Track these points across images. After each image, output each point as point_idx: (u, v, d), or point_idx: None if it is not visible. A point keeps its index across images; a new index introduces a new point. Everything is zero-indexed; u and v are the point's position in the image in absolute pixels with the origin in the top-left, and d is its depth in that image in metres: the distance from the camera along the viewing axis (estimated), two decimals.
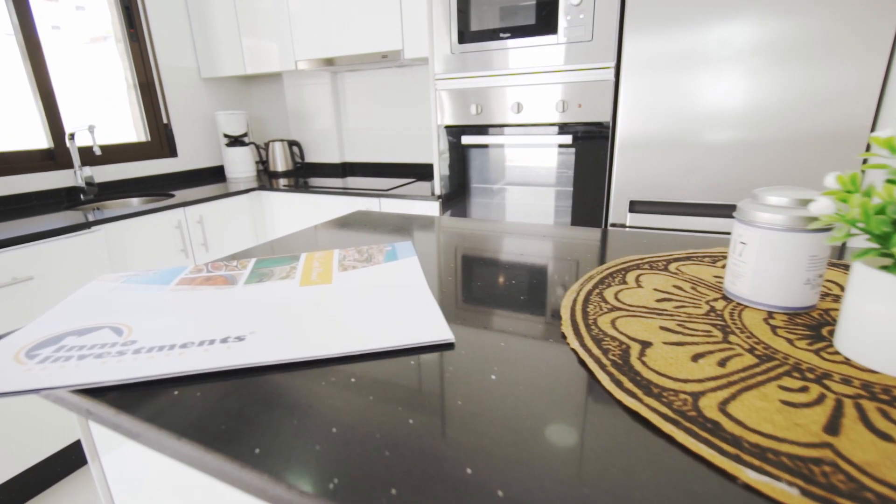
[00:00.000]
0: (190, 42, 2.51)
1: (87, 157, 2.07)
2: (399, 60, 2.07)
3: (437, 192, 1.82)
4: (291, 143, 2.68)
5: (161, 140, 2.44)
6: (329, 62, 2.20)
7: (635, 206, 1.44)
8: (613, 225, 1.49)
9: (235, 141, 2.58)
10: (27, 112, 2.05)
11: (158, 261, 1.80)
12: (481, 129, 1.66)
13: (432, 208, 1.84)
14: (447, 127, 1.72)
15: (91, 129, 1.92)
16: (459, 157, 1.73)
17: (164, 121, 2.42)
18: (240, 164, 2.57)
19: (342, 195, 2.03)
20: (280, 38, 2.26)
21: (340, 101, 2.63)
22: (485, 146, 1.67)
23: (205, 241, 1.97)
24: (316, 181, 2.33)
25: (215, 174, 2.72)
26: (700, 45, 1.24)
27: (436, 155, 1.78)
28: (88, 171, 2.03)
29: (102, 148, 2.10)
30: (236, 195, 2.12)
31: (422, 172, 2.47)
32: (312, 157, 2.76)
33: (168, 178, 2.45)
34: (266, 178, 2.61)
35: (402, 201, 1.90)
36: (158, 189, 2.27)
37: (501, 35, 1.55)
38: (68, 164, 2.02)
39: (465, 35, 1.60)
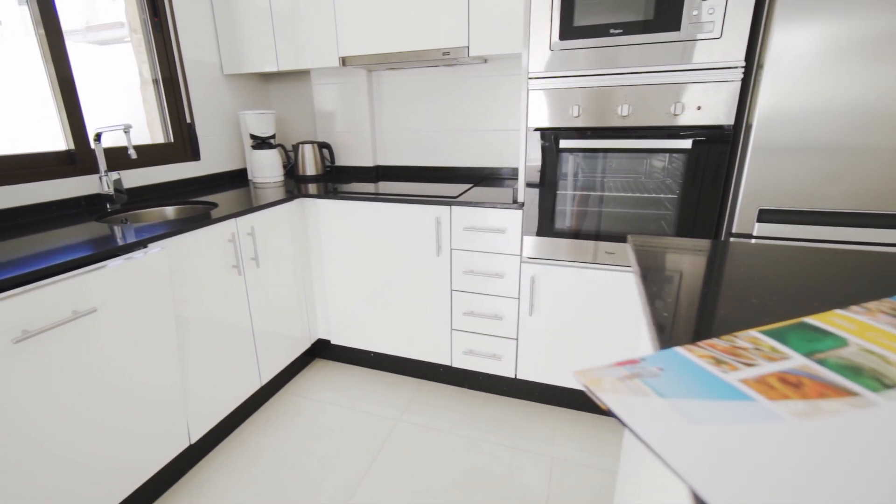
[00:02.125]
0: (213, 34, 2.25)
1: (111, 160, 1.79)
2: (460, 58, 1.91)
3: (521, 199, 1.68)
4: (321, 146, 2.46)
5: (184, 141, 2.17)
6: (379, 58, 2.01)
7: (765, 215, 1.35)
8: (736, 235, 1.40)
9: (263, 143, 2.34)
10: (36, 110, 1.76)
11: (212, 281, 1.56)
12: (580, 133, 1.54)
13: (513, 218, 1.70)
14: (538, 130, 1.58)
15: (127, 129, 1.65)
16: (549, 163, 1.60)
17: (188, 120, 2.15)
18: (267, 168, 2.33)
19: (403, 203, 1.84)
20: (322, 31, 2.06)
21: (375, 101, 2.44)
22: (587, 150, 1.54)
23: (255, 255, 1.74)
24: (358, 186, 2.13)
25: (237, 179, 2.46)
26: (861, 36, 1.16)
27: (522, 160, 1.64)
28: (115, 176, 1.75)
29: (118, 151, 1.82)
30: (282, 203, 1.89)
31: (474, 176, 2.31)
32: (342, 160, 2.55)
33: (190, 184, 2.18)
34: (294, 182, 2.38)
35: (477, 210, 1.74)
36: (183, 196, 2.01)
37: (612, 31, 1.42)
38: (91, 169, 1.74)
39: (568, 31, 1.47)
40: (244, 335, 1.74)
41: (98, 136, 1.68)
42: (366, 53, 2.02)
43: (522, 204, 1.67)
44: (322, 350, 2.32)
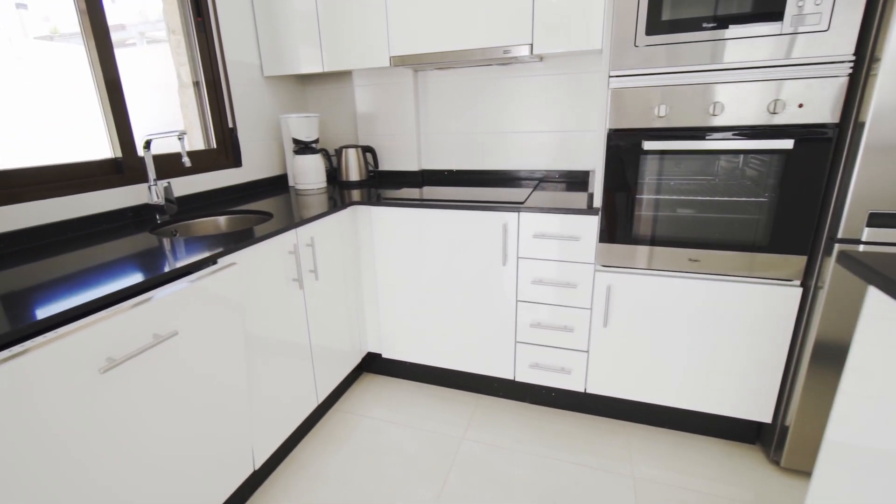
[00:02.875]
0: (253, 34, 2.16)
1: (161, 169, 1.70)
2: (519, 57, 1.82)
3: (597, 203, 1.58)
4: (365, 150, 2.37)
5: (226, 147, 2.08)
6: (433, 58, 1.92)
7: (877, 220, 1.26)
8: (842, 241, 1.30)
9: (305, 147, 2.25)
10: (74, 117, 1.67)
11: (274, 295, 1.47)
12: (666, 134, 1.44)
13: (588, 224, 1.61)
14: (618, 131, 1.49)
15: (181, 135, 1.56)
16: (629, 166, 1.51)
17: (230, 125, 2.06)
18: (310, 174, 2.24)
19: (466, 209, 1.75)
20: (372, 30, 1.97)
21: (421, 102, 2.35)
22: (674, 152, 1.45)
23: (314, 267, 1.65)
24: (409, 192, 2.04)
25: (277, 185, 2.37)
26: None
27: (600, 163, 1.55)
28: (165, 184, 1.66)
29: (161, 158, 1.73)
30: (338, 211, 1.80)
31: (526, 180, 2.22)
32: (385, 164, 2.46)
33: (232, 192, 2.09)
34: (337, 188, 2.29)
35: (549, 216, 1.65)
36: (226, 204, 1.92)
37: (705, 25, 1.33)
38: (138, 178, 1.65)
39: (655, 25, 1.38)
40: (302, 351, 1.65)
41: (147, 144, 1.59)
42: (419, 52, 1.93)
43: (598, 209, 1.58)
44: (370, 364, 2.23)
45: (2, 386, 0.73)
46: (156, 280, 1.03)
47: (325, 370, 1.81)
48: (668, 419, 1.77)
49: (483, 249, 1.78)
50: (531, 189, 2.01)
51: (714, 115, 1.39)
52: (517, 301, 1.79)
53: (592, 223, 1.60)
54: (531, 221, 1.68)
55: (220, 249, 1.23)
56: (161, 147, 1.70)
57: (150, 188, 1.62)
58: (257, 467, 1.46)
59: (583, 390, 1.79)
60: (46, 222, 1.38)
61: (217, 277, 1.15)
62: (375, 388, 2.13)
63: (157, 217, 1.65)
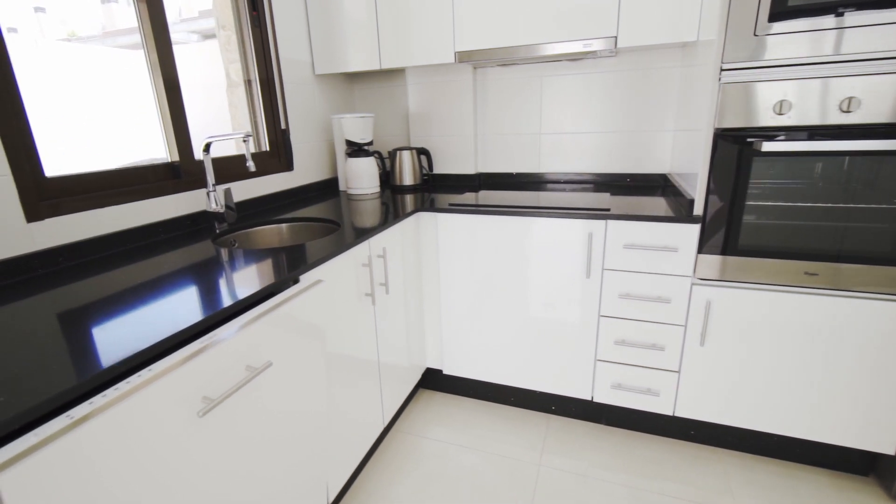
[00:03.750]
0: (304, 30, 2.04)
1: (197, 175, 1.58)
2: (599, 52, 1.67)
3: (698, 211, 1.43)
4: (420, 152, 2.23)
5: (278, 150, 1.96)
6: (504, 53, 1.78)
7: None
8: None
9: (359, 150, 2.12)
10: (120, 120, 1.56)
11: (348, 312, 1.34)
12: (790, 133, 1.28)
13: (687, 234, 1.45)
14: (728, 131, 1.34)
15: (246, 137, 1.44)
16: (741, 169, 1.35)
17: (282, 126, 1.94)
18: (364, 178, 2.11)
19: (546, 216, 1.61)
20: (437, 24, 1.83)
21: (479, 101, 2.21)
22: (799, 154, 1.29)
23: (385, 280, 1.51)
24: (472, 197, 1.90)
25: (327, 190, 2.25)
26: None
27: (703, 166, 1.39)
28: (225, 187, 1.54)
29: (216, 162, 1.61)
30: (405, 219, 1.67)
31: (597, 184, 2.07)
32: (438, 167, 2.32)
33: (284, 197, 1.97)
34: (390, 193, 2.16)
35: (641, 225, 1.50)
36: (278, 211, 1.79)
37: (841, 9, 1.17)
38: (195, 184, 1.53)
39: (781, 11, 1.22)
40: (371, 371, 1.52)
41: (207, 147, 1.47)
42: (487, 48, 1.79)
43: (700, 217, 1.42)
44: (426, 380, 2.09)
45: (91, 442, 0.60)
46: (244, 303, 0.90)
47: (390, 389, 1.68)
48: (767, 447, 1.60)
49: (563, 260, 1.63)
50: (607, 194, 1.86)
51: (847, 111, 1.23)
52: (599, 316, 1.64)
53: (692, 232, 1.44)
54: (620, 230, 1.53)
55: (302, 266, 1.10)
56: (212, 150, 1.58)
57: (209, 194, 1.50)
58: (331, 501, 1.33)
59: (671, 413, 1.63)
60: (105, 233, 1.26)
61: (306, 297, 1.01)
62: (435, 406, 1.99)
63: (216, 225, 1.53)
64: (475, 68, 2.15)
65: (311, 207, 1.85)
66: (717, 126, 1.35)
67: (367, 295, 1.42)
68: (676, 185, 1.72)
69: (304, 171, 2.09)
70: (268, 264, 1.12)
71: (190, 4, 2.23)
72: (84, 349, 0.71)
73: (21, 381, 0.63)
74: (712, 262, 1.44)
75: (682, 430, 1.70)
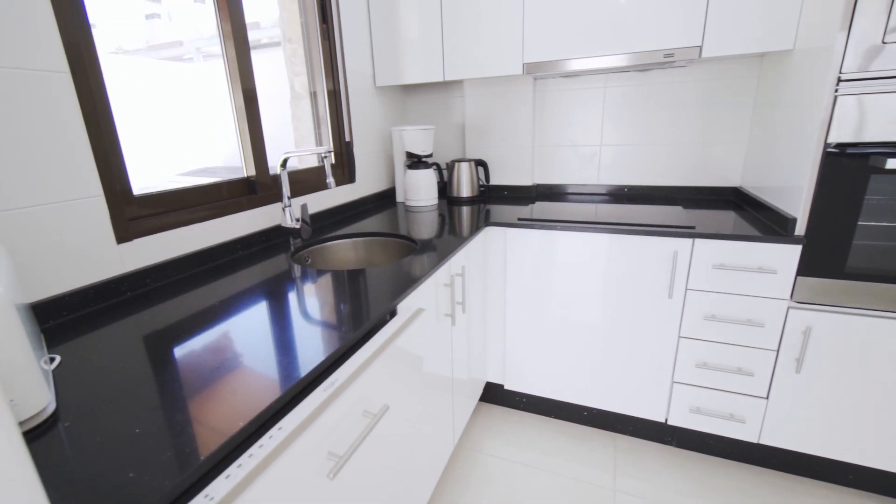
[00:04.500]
0: (367, 41, 1.93)
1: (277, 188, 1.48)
2: (679, 60, 1.52)
3: (801, 230, 1.27)
4: (477, 163, 2.11)
5: (343, 162, 1.85)
6: (576, 64, 1.64)
7: None
8: None
9: (419, 161, 2.00)
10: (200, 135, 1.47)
11: (430, 334, 1.22)
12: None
13: (786, 254, 1.29)
14: (842, 146, 1.18)
15: (327, 153, 1.33)
16: (856, 186, 1.19)
17: (347, 138, 1.84)
18: (423, 190, 1.99)
19: (623, 234, 1.47)
20: (505, 36, 1.70)
21: (538, 113, 2.08)
22: None
23: (462, 298, 1.39)
24: (541, 209, 1.77)
25: (385, 201, 2.14)
26: None
27: (810, 182, 1.23)
28: (300, 205, 1.44)
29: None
30: (476, 234, 1.54)
31: (662, 198, 1.92)
32: (494, 178, 2.19)
33: (346, 209, 1.86)
34: (446, 204, 2.04)
35: (734, 245, 1.34)
36: (341, 224, 1.69)
37: None
38: (270, 199, 1.43)
39: None
40: (446, 390, 1.40)
41: (284, 162, 1.37)
42: (559, 59, 1.65)
43: (802, 238, 1.27)
44: (485, 394, 1.96)
45: None
46: (351, 339, 0.79)
47: (459, 406, 1.56)
48: (865, 481, 1.44)
49: (641, 279, 1.49)
50: (678, 207, 1.71)
51: None
52: (679, 337, 1.49)
53: (792, 253, 1.29)
54: (710, 250, 1.38)
55: (401, 293, 0.98)
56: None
57: (284, 209, 1.40)
58: None
59: (755, 441, 1.47)
60: (188, 252, 1.16)
61: (413, 328, 0.90)
62: (496, 421, 1.86)
63: (291, 241, 1.43)
64: (535, 79, 2.02)
65: (373, 220, 1.74)
66: (830, 140, 1.19)
67: (446, 315, 1.30)
68: (760, 200, 1.56)
69: (364, 182, 1.99)
70: (363, 289, 1.01)
71: (206, 23, 2.14)
72: (202, 404, 0.60)
73: (146, 456, 0.52)
74: (814, 284, 1.28)
75: (764, 458, 1.54)
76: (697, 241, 1.39)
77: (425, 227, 1.61)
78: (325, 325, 0.82)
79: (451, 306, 1.31)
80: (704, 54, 1.47)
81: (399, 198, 2.14)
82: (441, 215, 1.84)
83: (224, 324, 0.84)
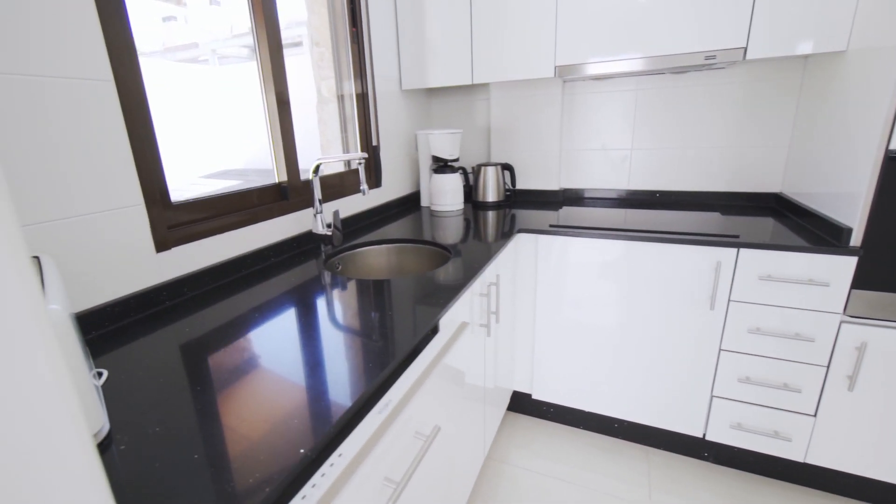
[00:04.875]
0: (394, 44, 1.91)
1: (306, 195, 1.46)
2: (719, 62, 1.47)
3: (857, 241, 1.21)
4: (504, 167, 2.07)
5: (370, 166, 1.83)
6: (610, 67, 1.60)
7: None
8: None
9: (445, 166, 1.97)
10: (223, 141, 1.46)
11: (467, 348, 1.19)
12: None
13: (841, 266, 1.24)
14: None
15: (361, 161, 1.31)
16: None
17: (374, 142, 1.81)
18: (448, 194, 1.96)
19: (661, 242, 1.42)
20: (537, 39, 1.66)
21: (566, 116, 2.04)
22: None
23: (496, 307, 1.36)
24: (573, 213, 1.73)
25: (409, 205, 2.11)
26: None
27: (867, 190, 1.18)
28: (329, 212, 1.42)
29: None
30: (508, 240, 1.51)
31: (696, 204, 1.86)
32: (521, 182, 2.15)
33: (373, 214, 1.84)
34: (471, 208, 2.01)
35: (783, 256, 1.29)
36: (367, 229, 1.66)
37: None
38: (300, 205, 1.41)
39: None
40: (479, 400, 1.36)
41: (317, 168, 1.35)
42: (593, 61, 1.61)
43: (858, 248, 1.21)
44: (511, 403, 1.93)
45: None
46: (403, 355, 0.76)
47: (490, 417, 1.52)
48: None
49: (680, 289, 1.44)
50: (716, 213, 1.65)
51: None
52: (720, 350, 1.44)
53: (847, 265, 1.23)
54: (756, 260, 1.32)
55: (443, 305, 0.95)
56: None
57: (315, 216, 1.38)
58: None
59: (801, 460, 1.41)
60: (224, 259, 1.15)
61: (461, 343, 0.87)
62: (522, 431, 1.82)
63: (322, 248, 1.41)
64: (564, 81, 1.98)
65: (398, 225, 1.72)
66: (890, 146, 1.13)
67: (482, 326, 1.27)
68: (805, 207, 1.50)
69: (389, 186, 1.96)
70: (404, 301, 0.98)
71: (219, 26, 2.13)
72: (256, 427, 0.58)
73: (208, 486, 0.50)
74: (871, 298, 1.22)
75: (810, 478, 1.48)
76: (742, 250, 1.34)
77: (454, 233, 1.58)
78: (372, 339, 0.79)
79: (487, 317, 1.28)
80: (749, 56, 1.42)
81: (424, 202, 2.12)
82: (467, 220, 1.81)
83: (267, 337, 0.82)
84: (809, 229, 1.41)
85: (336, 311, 0.94)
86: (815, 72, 1.54)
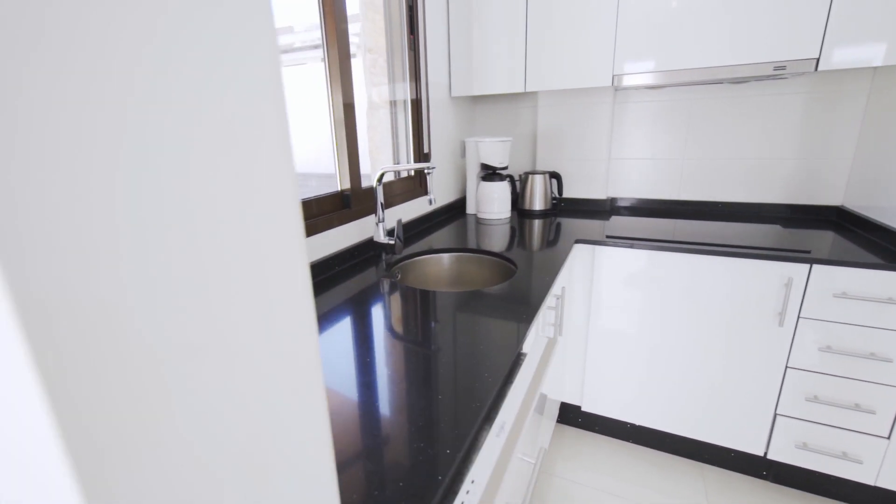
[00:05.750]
0: (445, 52, 1.91)
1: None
2: (789, 72, 1.44)
3: None
4: (551, 175, 2.05)
5: (420, 174, 1.83)
6: (669, 77, 1.57)
7: None
8: None
9: (493, 174, 1.97)
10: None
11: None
12: None
13: None
14: None
15: (430, 171, 1.31)
16: None
17: (426, 149, 1.81)
18: (496, 202, 1.95)
19: (727, 256, 1.39)
20: (595, 47, 1.65)
21: (616, 123, 2.01)
22: None
23: (559, 320, 1.34)
24: (624, 223, 1.71)
25: (454, 213, 2.11)
26: None
27: None
28: (391, 221, 1.42)
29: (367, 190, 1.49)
30: (569, 252, 1.49)
31: (748, 214, 1.83)
32: (566, 190, 2.14)
33: (424, 221, 1.84)
34: (517, 216, 2.00)
35: (860, 272, 1.25)
36: (419, 237, 1.66)
37: None
38: (362, 213, 1.41)
39: None
40: (538, 412, 1.35)
41: (381, 178, 1.35)
42: (653, 70, 1.59)
43: None
44: (559, 414, 1.91)
45: None
46: (505, 372, 0.75)
47: (544, 428, 1.51)
48: None
49: (746, 304, 1.41)
50: (776, 226, 1.62)
51: None
52: (786, 367, 1.41)
53: None
54: (828, 276, 1.29)
55: (530, 321, 0.94)
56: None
57: (377, 224, 1.38)
58: None
59: (872, 483, 1.37)
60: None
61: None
62: (571, 443, 1.80)
63: (384, 256, 1.41)
64: (616, 89, 1.95)
65: (446, 232, 1.71)
66: None
67: (547, 338, 1.26)
68: (873, 221, 1.46)
69: (437, 194, 1.96)
70: (489, 315, 0.97)
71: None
72: (381, 448, 0.57)
73: None
74: None
75: (878, 501, 1.43)
76: (815, 266, 1.30)
77: (506, 242, 1.56)
78: (470, 356, 0.79)
79: (554, 330, 1.26)
80: (822, 67, 1.38)
81: (470, 209, 2.11)
82: (513, 228, 1.80)
83: (356, 353, 0.82)
84: (880, 244, 1.37)
85: (420, 326, 0.93)
86: (884, 81, 1.50)
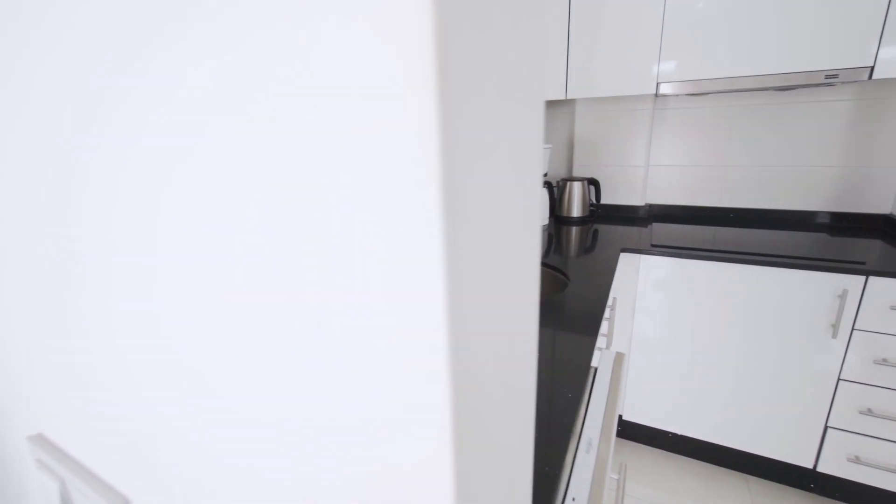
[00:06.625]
0: None
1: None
2: (841, 80, 1.43)
3: None
4: (589, 182, 2.06)
5: None
6: (711, 85, 1.57)
7: None
8: None
9: None
10: None
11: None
12: None
13: None
14: None
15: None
16: None
17: None
18: None
19: (777, 266, 1.38)
20: (639, 54, 1.65)
21: (656, 130, 2.01)
22: None
23: (609, 329, 1.35)
24: (671, 232, 1.71)
25: None
26: None
27: None
28: None
29: None
30: (616, 262, 1.50)
31: (787, 221, 1.81)
32: (603, 197, 2.14)
33: None
34: (554, 223, 2.01)
35: None
36: None
37: None
38: None
39: None
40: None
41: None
42: (698, 79, 1.59)
43: None
44: None
45: None
46: (582, 388, 0.77)
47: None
48: None
49: (797, 315, 1.40)
50: (823, 234, 1.60)
51: None
52: (839, 380, 1.40)
53: None
54: (885, 288, 1.28)
55: (596, 335, 0.96)
56: None
57: None
58: None
59: None
60: None
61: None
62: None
63: None
64: (657, 96, 1.95)
65: None
66: None
67: (598, 349, 1.27)
68: None
69: None
70: (556, 326, 0.99)
71: None
72: None
73: None
74: None
75: None
76: (871, 278, 1.29)
77: (546, 249, 1.58)
78: (546, 370, 0.80)
79: (606, 341, 1.27)
80: (876, 76, 1.37)
81: None
82: (550, 235, 1.81)
83: None
84: None
85: None
86: None
